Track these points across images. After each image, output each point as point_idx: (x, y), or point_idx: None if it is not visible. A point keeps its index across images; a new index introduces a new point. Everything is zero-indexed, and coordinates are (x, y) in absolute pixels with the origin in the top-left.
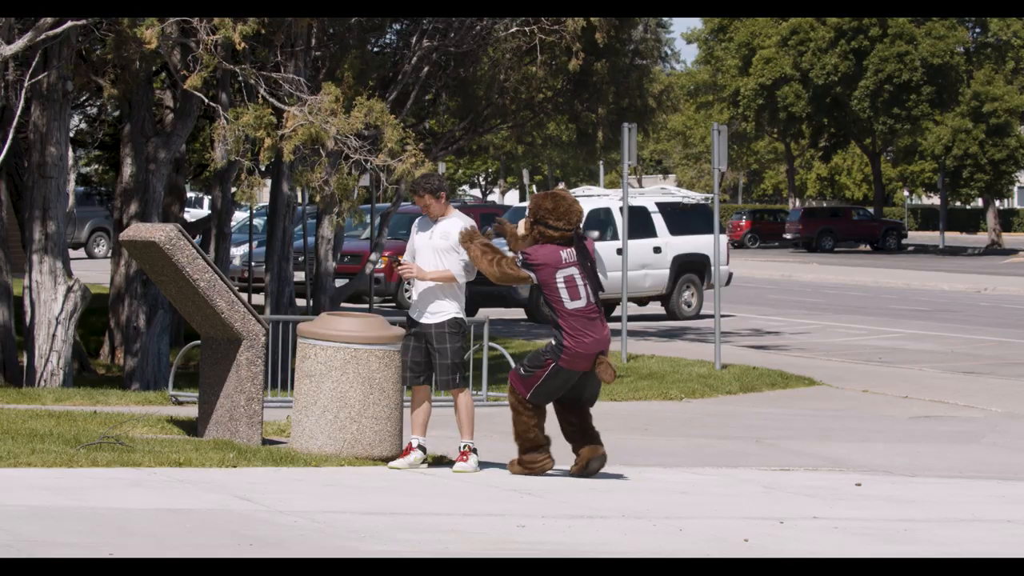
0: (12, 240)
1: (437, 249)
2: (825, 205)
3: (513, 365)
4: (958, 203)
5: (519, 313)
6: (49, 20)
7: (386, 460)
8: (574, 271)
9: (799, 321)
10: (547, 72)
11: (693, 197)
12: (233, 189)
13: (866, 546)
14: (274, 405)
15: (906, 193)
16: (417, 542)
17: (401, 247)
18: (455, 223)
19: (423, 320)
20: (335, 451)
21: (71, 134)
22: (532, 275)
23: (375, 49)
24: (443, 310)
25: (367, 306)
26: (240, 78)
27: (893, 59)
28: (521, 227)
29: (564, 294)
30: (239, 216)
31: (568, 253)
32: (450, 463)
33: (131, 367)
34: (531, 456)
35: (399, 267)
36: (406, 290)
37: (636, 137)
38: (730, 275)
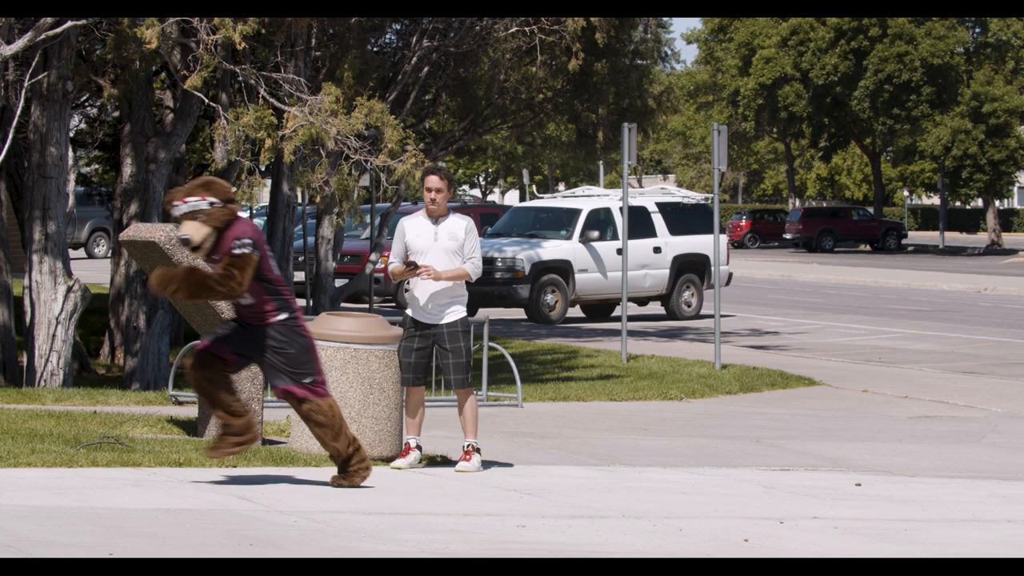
0: (12, 240)
1: (447, 250)
2: (825, 205)
3: (513, 365)
4: (958, 203)
5: (519, 313)
6: (49, 20)
7: (386, 460)
8: None
9: (799, 321)
10: (547, 72)
11: (693, 197)
12: (233, 189)
13: (866, 546)
14: (274, 405)
15: (906, 193)
16: (417, 542)
17: None
18: (460, 222)
19: (434, 321)
20: None
21: (71, 134)
22: None
23: (375, 49)
24: (455, 310)
25: (367, 306)
26: (240, 78)
27: (893, 59)
28: None
29: None
30: None
31: None
32: (450, 463)
33: (131, 367)
34: None
35: (420, 271)
36: (406, 290)
37: (636, 137)
38: (730, 275)
